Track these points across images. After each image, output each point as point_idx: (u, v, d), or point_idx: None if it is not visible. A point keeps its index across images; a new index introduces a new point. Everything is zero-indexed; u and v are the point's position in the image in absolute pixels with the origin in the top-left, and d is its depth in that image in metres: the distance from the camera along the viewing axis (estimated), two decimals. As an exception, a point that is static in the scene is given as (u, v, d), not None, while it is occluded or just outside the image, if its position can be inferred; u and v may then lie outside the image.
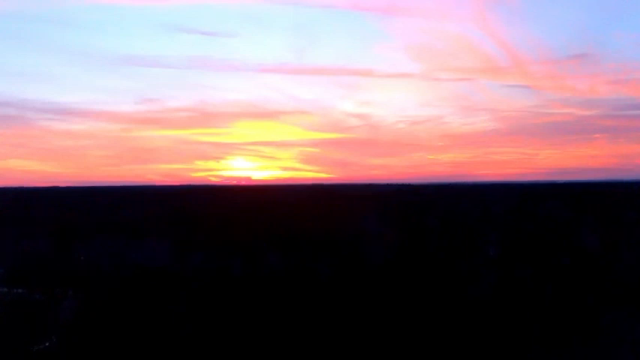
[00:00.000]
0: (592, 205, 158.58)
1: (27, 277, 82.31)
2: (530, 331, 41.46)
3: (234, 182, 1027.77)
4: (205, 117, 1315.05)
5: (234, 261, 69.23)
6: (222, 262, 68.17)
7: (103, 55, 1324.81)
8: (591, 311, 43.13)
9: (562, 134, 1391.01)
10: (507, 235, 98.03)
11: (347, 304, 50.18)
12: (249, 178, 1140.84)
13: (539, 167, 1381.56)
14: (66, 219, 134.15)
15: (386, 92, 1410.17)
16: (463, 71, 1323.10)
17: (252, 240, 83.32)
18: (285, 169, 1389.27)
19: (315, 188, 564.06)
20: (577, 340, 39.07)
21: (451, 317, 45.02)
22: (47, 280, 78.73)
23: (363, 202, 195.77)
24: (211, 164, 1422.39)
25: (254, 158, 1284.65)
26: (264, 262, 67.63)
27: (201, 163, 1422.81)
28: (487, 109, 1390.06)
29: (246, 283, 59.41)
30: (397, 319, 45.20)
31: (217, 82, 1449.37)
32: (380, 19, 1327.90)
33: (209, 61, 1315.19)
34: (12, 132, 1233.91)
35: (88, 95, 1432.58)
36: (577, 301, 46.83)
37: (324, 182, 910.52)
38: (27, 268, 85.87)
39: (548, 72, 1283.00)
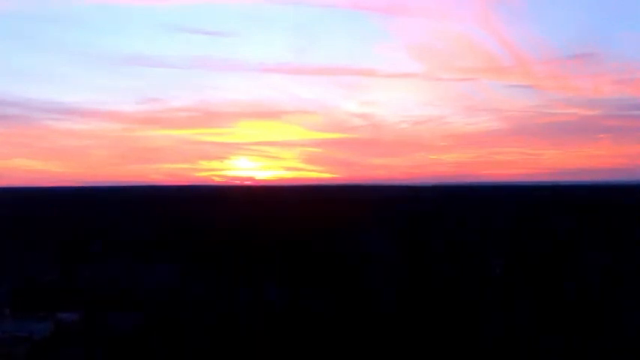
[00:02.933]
0: (596, 223, 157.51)
1: (31, 300, 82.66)
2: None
3: (238, 182, 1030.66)
4: (208, 117, 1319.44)
5: (235, 295, 69.48)
6: (223, 299, 68.34)
7: (105, 55, 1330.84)
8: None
9: (565, 134, 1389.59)
10: (509, 260, 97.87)
11: (350, 345, 50.37)
12: (252, 178, 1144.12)
13: (542, 167, 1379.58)
14: (69, 236, 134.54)
15: (388, 92, 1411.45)
16: (465, 71, 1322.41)
17: (254, 270, 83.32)
18: (288, 169, 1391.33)
19: (315, 192, 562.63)
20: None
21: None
22: (51, 303, 79.08)
23: (364, 213, 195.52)
24: (215, 164, 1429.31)
25: (257, 158, 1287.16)
26: (265, 298, 67.81)
27: (204, 163, 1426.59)
28: (490, 109, 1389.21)
29: (248, 324, 59.66)
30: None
31: (219, 81, 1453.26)
32: (381, 19, 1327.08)
33: (211, 61, 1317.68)
34: (16, 131, 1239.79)
35: (91, 95, 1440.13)
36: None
37: (327, 183, 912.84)
38: (31, 290, 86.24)
39: (552, 72, 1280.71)
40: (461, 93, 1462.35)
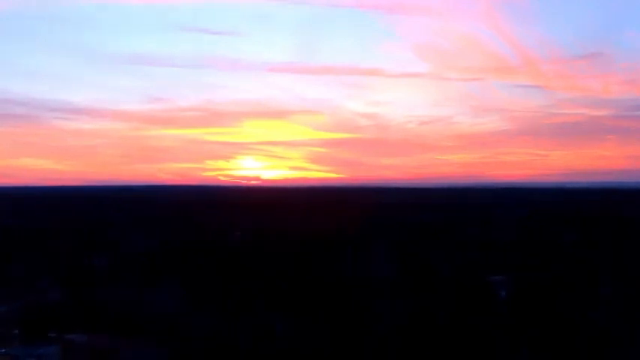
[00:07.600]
0: (603, 236, 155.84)
1: (39, 319, 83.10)
2: None
3: (244, 182, 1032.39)
4: (214, 116, 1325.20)
5: (237, 325, 69.90)
6: (226, 329, 68.86)
7: (112, 54, 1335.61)
8: None
9: (573, 135, 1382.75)
10: (513, 281, 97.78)
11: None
12: (258, 178, 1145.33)
13: (550, 168, 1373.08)
14: (75, 249, 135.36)
15: (394, 92, 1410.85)
16: (472, 71, 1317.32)
17: (256, 298, 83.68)
18: (294, 168, 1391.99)
19: (319, 194, 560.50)
20: None
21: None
22: (58, 323, 79.51)
23: (367, 223, 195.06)
24: (221, 164, 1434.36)
25: (263, 158, 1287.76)
26: (270, 330, 68.27)
27: (211, 163, 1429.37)
28: (497, 109, 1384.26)
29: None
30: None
31: (226, 81, 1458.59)
32: (387, 18, 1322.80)
33: (217, 61, 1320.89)
34: (23, 131, 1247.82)
35: (98, 94, 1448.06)
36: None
37: (333, 183, 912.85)
38: (38, 309, 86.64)
39: (560, 71, 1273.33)
40: (468, 93, 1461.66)
